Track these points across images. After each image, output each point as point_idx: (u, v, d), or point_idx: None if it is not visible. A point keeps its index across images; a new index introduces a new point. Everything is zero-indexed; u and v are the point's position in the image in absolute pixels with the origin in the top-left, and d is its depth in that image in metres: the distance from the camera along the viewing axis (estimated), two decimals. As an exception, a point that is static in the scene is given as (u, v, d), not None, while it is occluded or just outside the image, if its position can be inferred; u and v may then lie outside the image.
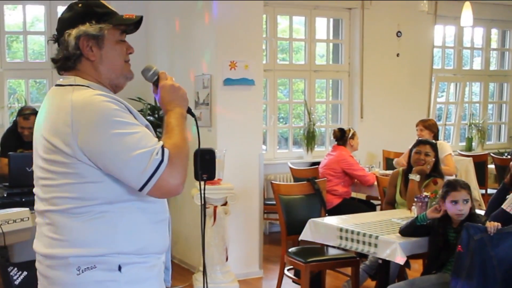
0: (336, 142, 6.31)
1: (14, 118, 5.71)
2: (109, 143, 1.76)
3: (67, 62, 1.94)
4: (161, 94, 1.99)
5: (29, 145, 5.32)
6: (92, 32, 1.91)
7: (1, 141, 5.46)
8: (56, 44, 1.98)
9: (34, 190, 1.97)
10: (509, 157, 7.74)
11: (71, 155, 1.79)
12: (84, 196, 1.81)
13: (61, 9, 6.55)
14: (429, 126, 6.31)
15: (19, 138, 5.36)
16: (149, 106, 6.09)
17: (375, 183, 5.74)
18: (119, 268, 1.83)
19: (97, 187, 1.81)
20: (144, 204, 1.88)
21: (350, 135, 6.27)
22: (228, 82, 5.41)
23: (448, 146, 6.33)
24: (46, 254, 1.87)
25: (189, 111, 2.04)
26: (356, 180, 6.21)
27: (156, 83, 2.03)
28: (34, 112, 5.33)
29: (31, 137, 5.85)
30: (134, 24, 1.99)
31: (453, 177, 6.12)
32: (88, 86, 1.89)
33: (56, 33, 1.97)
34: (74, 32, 1.91)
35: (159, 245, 1.94)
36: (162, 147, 1.79)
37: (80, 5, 1.95)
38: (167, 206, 2.02)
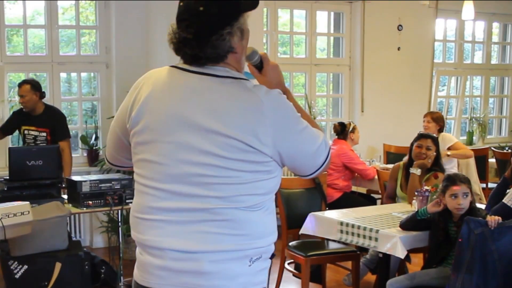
0: (336, 136, 6.30)
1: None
2: (300, 140, 1.83)
3: (217, 59, 1.81)
4: (271, 76, 1.96)
5: (33, 121, 5.45)
6: (243, 26, 1.83)
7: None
8: (187, 38, 1.81)
9: (170, 187, 1.81)
10: (509, 151, 7.74)
11: (267, 154, 1.79)
12: (267, 192, 1.85)
13: (61, 3, 6.53)
14: (437, 118, 6.35)
15: (21, 115, 5.53)
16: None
17: (376, 177, 5.74)
18: (272, 255, 1.91)
19: (276, 181, 1.87)
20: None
21: (350, 129, 6.26)
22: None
23: (453, 136, 6.41)
24: (213, 249, 1.79)
25: None
26: (356, 174, 6.21)
27: (258, 66, 1.97)
28: (26, 81, 5.46)
29: (28, 106, 5.83)
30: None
31: (454, 171, 6.15)
32: (246, 79, 1.85)
33: (202, 27, 1.78)
34: (235, 30, 1.80)
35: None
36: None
37: None
38: None
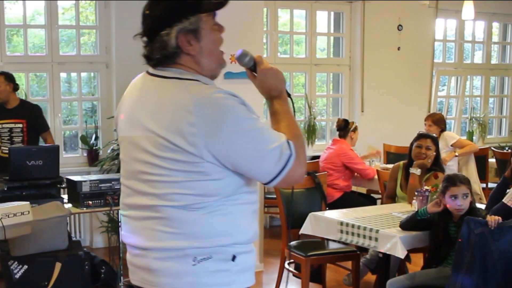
0: (337, 133, 6.31)
1: None
2: (239, 143, 1.76)
3: (166, 60, 1.87)
4: (262, 80, 1.96)
5: (8, 114, 5.44)
6: (189, 27, 1.83)
7: None
8: (145, 41, 1.92)
9: (129, 183, 1.93)
10: (509, 151, 7.74)
11: (196, 155, 1.76)
12: (205, 193, 1.81)
13: (61, 3, 6.53)
14: (438, 121, 6.40)
15: None
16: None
17: (376, 176, 5.74)
18: (233, 258, 1.86)
19: (218, 183, 1.81)
20: (249, 195, 1.91)
21: (352, 127, 6.27)
22: (228, 75, 5.38)
23: (453, 133, 6.43)
24: (156, 247, 1.86)
25: (286, 92, 2.02)
26: (356, 173, 6.21)
27: (252, 68, 1.97)
28: None
29: (1, 97, 5.79)
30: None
31: (454, 168, 6.17)
32: (198, 80, 1.86)
33: (147, 30, 1.89)
34: (173, 31, 1.83)
35: (257, 233, 1.98)
36: (287, 140, 1.81)
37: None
38: None
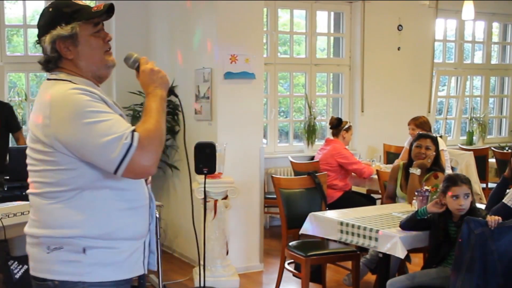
0: (331, 131, 6.31)
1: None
2: (82, 132, 1.89)
3: (48, 64, 2.08)
4: (141, 78, 2.11)
5: None
6: (64, 33, 2.02)
7: None
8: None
9: None
10: (510, 151, 7.74)
11: (49, 145, 1.94)
12: (58, 182, 1.96)
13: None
14: (421, 124, 6.15)
15: None
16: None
17: (374, 174, 5.74)
18: (84, 250, 1.97)
19: (71, 173, 1.95)
20: (118, 191, 2.01)
21: (345, 126, 6.26)
22: (228, 75, 5.39)
23: (440, 141, 6.23)
24: (26, 232, 2.07)
25: (171, 91, 2.19)
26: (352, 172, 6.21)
27: (138, 69, 2.13)
28: None
29: None
30: (106, 13, 2.08)
31: (448, 171, 6.14)
32: (70, 81, 2.02)
33: (38, 39, 2.11)
34: (48, 38, 2.03)
35: (132, 231, 2.05)
36: (132, 132, 1.91)
37: (50, 9, 2.06)
38: (147, 193, 2.14)
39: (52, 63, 2.08)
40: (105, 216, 1.98)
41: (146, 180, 2.18)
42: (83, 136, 1.88)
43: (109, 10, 2.09)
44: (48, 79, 2.09)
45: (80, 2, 2.09)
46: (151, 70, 2.09)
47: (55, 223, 1.97)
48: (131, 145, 1.88)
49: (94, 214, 1.97)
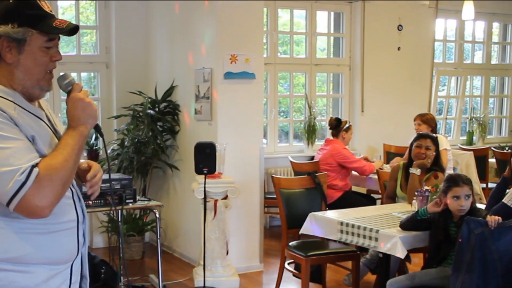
0: (330, 131, 6.31)
1: None
2: None
3: None
4: (68, 107, 1.91)
5: None
6: (13, 34, 1.83)
7: None
8: None
9: None
10: (509, 151, 7.74)
11: None
12: None
13: (61, 3, 6.54)
14: (427, 120, 6.24)
15: None
16: (149, 100, 6.08)
17: (375, 172, 5.74)
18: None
19: None
20: (15, 215, 1.82)
21: (345, 126, 6.26)
22: (228, 75, 5.39)
23: (444, 141, 6.24)
24: None
25: (97, 129, 2.02)
26: (353, 171, 6.21)
27: (69, 94, 1.96)
28: None
29: None
30: (66, 33, 1.92)
31: (453, 171, 6.14)
32: None
33: None
34: None
35: (48, 256, 1.89)
36: (32, 167, 1.75)
37: (11, 0, 1.85)
38: (75, 214, 1.98)
39: None
40: (16, 240, 1.83)
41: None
42: None
43: (71, 32, 1.92)
44: None
45: (46, 8, 1.89)
46: (81, 101, 1.90)
47: None
48: (24, 183, 1.72)
49: (2, 238, 1.82)
